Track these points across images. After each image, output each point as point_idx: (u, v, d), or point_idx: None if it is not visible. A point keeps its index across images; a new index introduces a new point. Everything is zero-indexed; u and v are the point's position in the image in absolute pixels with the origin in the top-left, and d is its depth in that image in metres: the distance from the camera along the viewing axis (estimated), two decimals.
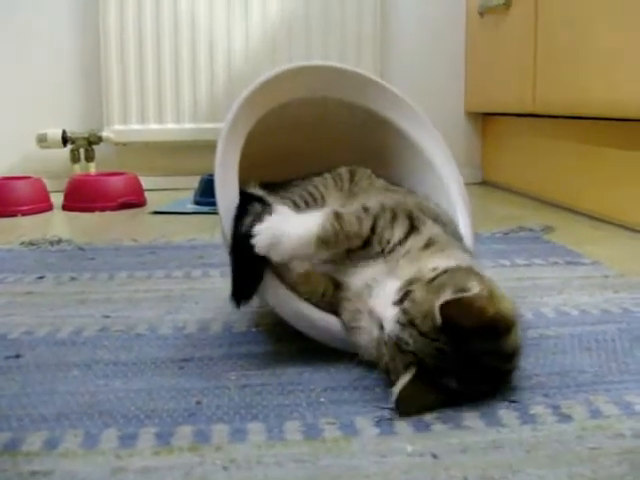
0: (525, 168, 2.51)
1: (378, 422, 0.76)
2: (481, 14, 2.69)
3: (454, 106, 2.89)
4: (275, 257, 0.90)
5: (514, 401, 0.80)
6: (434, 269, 0.84)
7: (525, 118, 2.46)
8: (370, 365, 0.89)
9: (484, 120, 2.92)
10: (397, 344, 0.79)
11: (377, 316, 0.85)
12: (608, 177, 1.93)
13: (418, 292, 0.81)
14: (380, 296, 0.87)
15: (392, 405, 0.77)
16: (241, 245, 0.92)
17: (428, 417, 0.77)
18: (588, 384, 0.86)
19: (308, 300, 0.94)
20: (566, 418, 0.76)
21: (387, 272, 0.90)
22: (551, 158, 2.29)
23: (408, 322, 0.79)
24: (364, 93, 1.18)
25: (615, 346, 0.99)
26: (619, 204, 1.88)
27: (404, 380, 0.77)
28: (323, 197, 1.11)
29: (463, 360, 0.77)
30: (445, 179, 1.18)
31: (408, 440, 0.72)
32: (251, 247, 0.90)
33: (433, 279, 0.82)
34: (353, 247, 0.94)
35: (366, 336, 0.88)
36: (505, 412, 0.78)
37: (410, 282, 0.84)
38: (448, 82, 2.88)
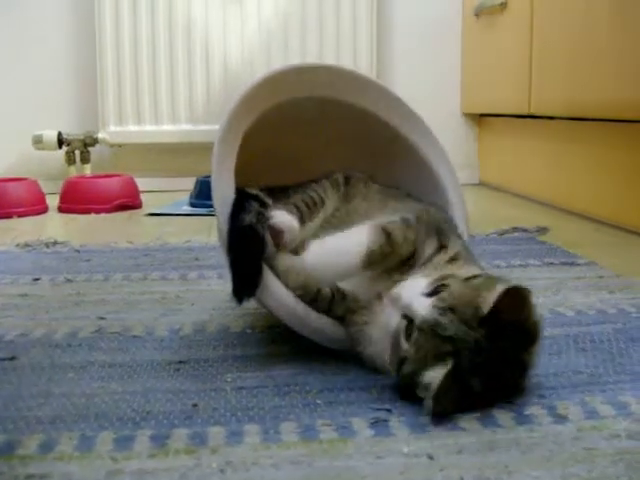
0: (521, 169, 2.51)
1: (374, 423, 0.76)
2: (477, 15, 2.69)
3: (450, 107, 2.89)
4: (326, 278, 0.90)
5: (509, 402, 0.80)
6: (466, 273, 0.85)
7: (521, 119, 2.46)
8: (366, 366, 0.89)
9: (480, 121, 2.92)
10: (433, 329, 0.77)
11: (404, 303, 0.82)
12: (604, 178, 1.93)
13: (455, 285, 0.81)
14: (407, 286, 0.84)
15: (430, 400, 0.75)
16: (239, 240, 0.92)
17: (424, 418, 0.77)
18: (584, 385, 0.86)
19: (301, 297, 0.93)
20: (562, 419, 0.76)
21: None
22: (547, 159, 2.29)
23: (448, 308, 0.78)
24: (362, 94, 1.18)
25: (611, 347, 0.99)
26: (615, 205, 1.88)
27: (439, 372, 0.75)
28: (323, 200, 1.10)
29: (494, 360, 0.77)
30: (441, 180, 1.18)
31: (404, 441, 0.72)
32: (250, 242, 0.89)
33: (468, 279, 0.82)
34: (393, 264, 0.92)
35: (377, 335, 0.87)
36: (501, 413, 0.78)
37: (443, 278, 0.83)
38: (444, 83, 2.89)
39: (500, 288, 0.77)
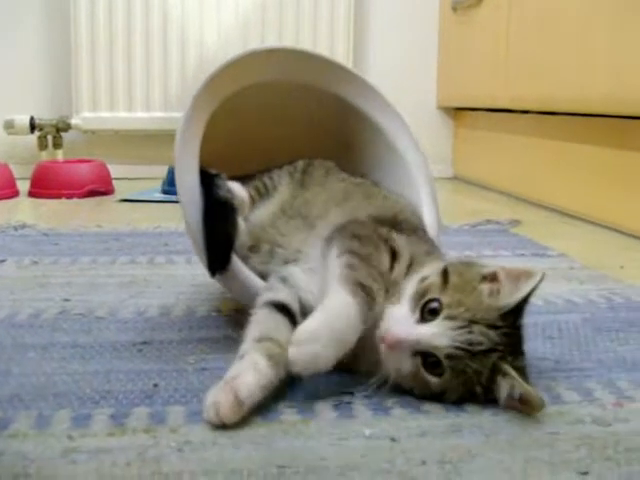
0: (496, 163, 2.51)
1: (337, 405, 0.75)
2: (454, 9, 2.69)
3: (426, 100, 2.89)
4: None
5: None
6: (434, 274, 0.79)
7: (497, 113, 2.46)
8: None
9: (456, 115, 2.92)
10: (469, 350, 0.72)
11: (409, 342, 0.74)
12: (578, 173, 1.94)
13: (448, 298, 0.75)
14: (394, 322, 0.76)
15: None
16: (215, 216, 0.92)
17: (387, 401, 0.76)
18: (549, 371, 0.86)
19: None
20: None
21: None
22: (522, 153, 2.29)
23: (469, 322, 0.73)
24: (334, 80, 1.17)
25: (578, 335, 0.99)
26: (589, 200, 1.88)
27: (508, 381, 0.73)
28: (275, 187, 1.10)
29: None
30: (413, 170, 1.17)
31: (366, 424, 0.71)
32: (226, 217, 0.89)
33: (445, 279, 0.77)
34: None
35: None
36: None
37: (420, 294, 0.77)
38: (420, 76, 2.88)
39: (536, 277, 0.74)
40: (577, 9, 1.83)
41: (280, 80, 1.13)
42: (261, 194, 1.08)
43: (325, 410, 0.74)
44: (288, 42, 2.67)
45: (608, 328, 1.02)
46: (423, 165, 1.16)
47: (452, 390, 0.75)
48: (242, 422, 0.71)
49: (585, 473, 0.62)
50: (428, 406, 0.75)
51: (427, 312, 0.75)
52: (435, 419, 0.73)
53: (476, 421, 0.72)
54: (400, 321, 0.76)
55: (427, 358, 0.74)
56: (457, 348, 0.72)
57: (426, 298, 0.76)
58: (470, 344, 0.72)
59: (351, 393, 0.78)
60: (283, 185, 1.10)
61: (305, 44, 2.66)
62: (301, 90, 1.16)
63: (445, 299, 0.75)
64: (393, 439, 0.68)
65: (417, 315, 0.76)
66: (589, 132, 1.88)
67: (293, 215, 1.03)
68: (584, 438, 0.69)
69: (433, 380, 0.74)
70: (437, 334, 0.73)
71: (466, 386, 0.74)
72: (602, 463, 0.64)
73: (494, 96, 2.35)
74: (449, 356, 0.73)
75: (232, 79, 1.06)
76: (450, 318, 0.74)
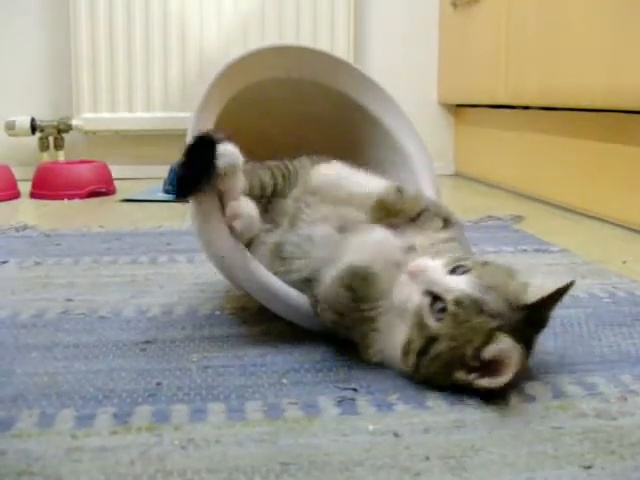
0: (497, 160, 2.51)
1: (340, 402, 0.75)
2: (454, 5, 2.68)
3: (427, 97, 2.89)
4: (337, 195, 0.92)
5: None
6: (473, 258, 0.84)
7: (497, 109, 2.46)
8: (334, 348, 0.89)
9: (457, 111, 2.92)
10: (478, 304, 0.75)
11: (430, 278, 0.78)
12: (580, 168, 1.93)
13: (480, 268, 0.79)
14: (426, 263, 0.81)
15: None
16: (195, 146, 0.91)
17: (391, 397, 0.76)
18: (553, 366, 0.86)
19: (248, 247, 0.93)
20: (530, 398, 0.76)
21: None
22: (523, 150, 2.29)
23: (489, 286, 0.76)
24: (339, 77, 1.17)
25: (581, 330, 0.99)
26: (591, 195, 1.88)
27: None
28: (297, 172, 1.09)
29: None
30: (417, 169, 1.17)
31: (370, 420, 0.71)
32: (205, 146, 0.89)
33: (485, 263, 0.81)
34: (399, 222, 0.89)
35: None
36: (468, 392, 0.76)
37: (457, 260, 0.81)
38: (421, 73, 2.88)
39: (561, 283, 0.77)
40: (576, 5, 1.83)
41: (288, 77, 1.13)
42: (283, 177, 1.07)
43: (328, 406, 0.74)
44: (288, 39, 2.67)
45: (611, 322, 1.02)
46: (428, 167, 1.16)
47: (444, 339, 0.75)
48: (246, 420, 0.71)
49: (589, 467, 0.62)
50: (431, 402, 0.75)
51: (457, 270, 0.79)
52: (438, 415, 0.72)
53: (479, 416, 0.72)
54: (432, 262, 0.80)
55: (435, 301, 0.77)
56: (469, 296, 0.75)
57: (460, 263, 0.80)
58: (482, 300, 0.75)
59: (354, 389, 0.78)
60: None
61: (305, 40, 2.66)
62: (308, 86, 1.16)
63: (476, 272, 0.78)
64: (396, 434, 0.68)
65: (447, 269, 0.79)
66: (590, 127, 1.87)
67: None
68: (588, 432, 0.69)
69: (432, 323, 0.76)
70: (456, 281, 0.77)
71: (459, 341, 0.75)
72: (606, 457, 0.64)
73: (495, 92, 2.34)
74: (457, 302, 0.75)
75: (244, 73, 1.06)
76: (475, 277, 0.77)
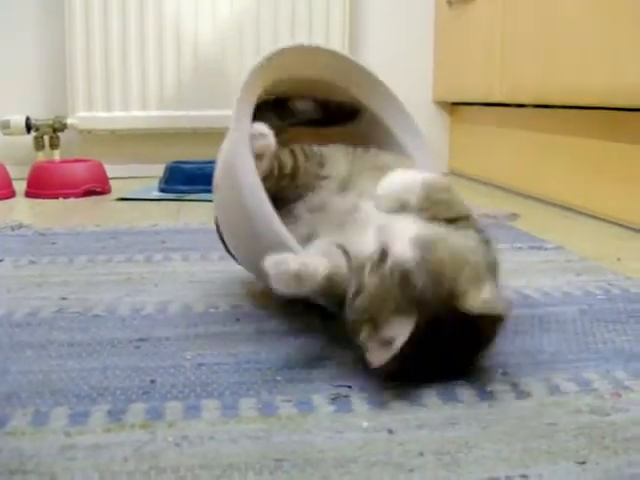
0: (492, 158, 2.51)
1: (334, 399, 0.75)
2: (449, 3, 2.68)
3: (422, 95, 2.88)
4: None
5: (471, 379, 0.79)
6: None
7: (493, 107, 2.46)
8: (328, 345, 0.89)
9: (452, 109, 2.92)
10: (403, 278, 0.74)
11: (388, 238, 0.78)
12: (575, 166, 1.93)
13: (443, 250, 0.78)
14: (399, 222, 0.82)
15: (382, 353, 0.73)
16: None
17: (385, 395, 0.76)
18: (547, 362, 0.86)
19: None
20: (524, 395, 0.76)
21: None
22: (518, 147, 2.29)
23: (428, 270, 0.74)
24: (356, 84, 1.18)
25: (575, 326, 0.99)
26: (586, 193, 1.88)
27: (402, 327, 0.72)
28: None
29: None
30: (417, 166, 1.18)
31: (364, 416, 0.71)
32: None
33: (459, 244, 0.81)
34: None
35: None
36: (462, 389, 0.77)
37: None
38: (416, 71, 2.87)
39: (485, 305, 0.75)
40: (572, 3, 1.83)
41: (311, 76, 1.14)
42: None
43: (322, 404, 0.74)
44: (283, 36, 2.67)
45: (606, 319, 1.02)
46: (430, 167, 1.17)
47: (364, 297, 0.76)
48: (239, 417, 0.71)
49: (583, 463, 0.62)
50: (425, 399, 0.75)
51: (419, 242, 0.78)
52: (432, 411, 0.72)
53: (473, 413, 0.72)
54: (402, 225, 0.82)
55: (380, 262, 0.77)
56: (399, 269, 0.75)
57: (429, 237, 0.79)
58: (408, 278, 0.74)
59: (349, 386, 0.78)
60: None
61: (300, 38, 2.66)
62: (319, 85, 1.16)
63: (440, 251, 0.77)
64: (390, 431, 0.68)
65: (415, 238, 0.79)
66: (585, 125, 1.87)
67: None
68: (582, 428, 0.69)
69: (366, 277, 0.77)
70: (403, 249, 0.76)
71: (372, 304, 0.76)
72: (600, 453, 0.64)
73: (490, 90, 2.34)
74: (391, 269, 0.75)
75: (273, 70, 1.06)
76: (425, 256, 0.76)
